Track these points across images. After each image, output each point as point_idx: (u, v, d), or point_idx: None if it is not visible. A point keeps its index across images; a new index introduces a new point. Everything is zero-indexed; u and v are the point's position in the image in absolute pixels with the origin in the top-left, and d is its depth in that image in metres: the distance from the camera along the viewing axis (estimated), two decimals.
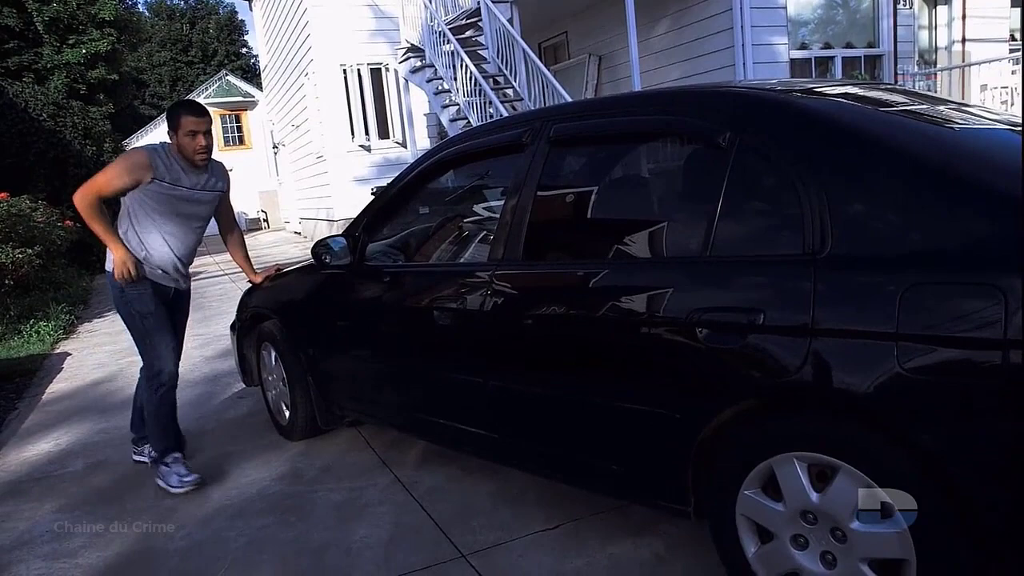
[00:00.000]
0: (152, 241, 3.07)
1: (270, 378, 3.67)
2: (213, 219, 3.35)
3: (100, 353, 6.15)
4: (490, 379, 2.45)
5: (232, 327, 3.95)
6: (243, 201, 19.66)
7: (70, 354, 6.27)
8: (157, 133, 21.76)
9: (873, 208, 1.64)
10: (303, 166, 14.74)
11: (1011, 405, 1.38)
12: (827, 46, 9.15)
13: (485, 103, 8.32)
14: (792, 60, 8.65)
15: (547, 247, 2.43)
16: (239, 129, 22.07)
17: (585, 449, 2.20)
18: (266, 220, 21.82)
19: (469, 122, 8.66)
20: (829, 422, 1.65)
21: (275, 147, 17.85)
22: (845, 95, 2.13)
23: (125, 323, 3.15)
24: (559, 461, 2.35)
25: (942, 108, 2.14)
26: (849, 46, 9.25)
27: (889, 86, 2.46)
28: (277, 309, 3.49)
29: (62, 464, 3.62)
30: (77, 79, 17.52)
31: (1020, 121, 2.18)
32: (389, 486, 2.98)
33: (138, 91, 32.14)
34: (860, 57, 9.21)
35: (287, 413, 3.55)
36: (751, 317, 1.71)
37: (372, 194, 4.19)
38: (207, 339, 6.15)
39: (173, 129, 3.00)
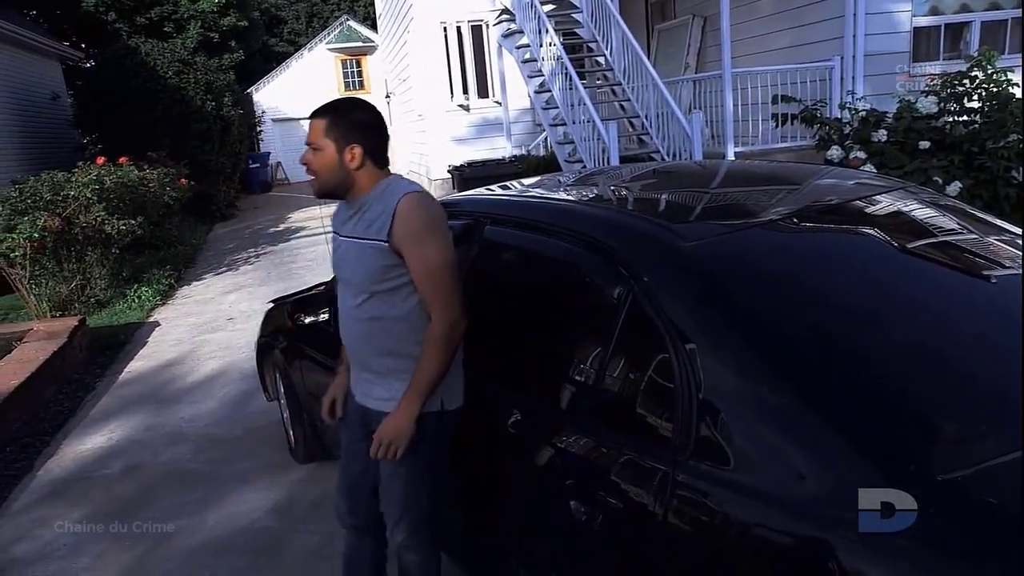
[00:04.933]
0: None
1: (281, 401, 3.83)
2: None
3: (182, 327, 6.65)
4: None
5: (258, 341, 4.12)
6: None
7: (159, 324, 6.82)
8: (291, 73, 22.65)
9: (740, 428, 1.43)
10: (408, 120, 14.92)
11: None
12: (965, 9, 8.01)
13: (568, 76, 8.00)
14: (916, 29, 7.67)
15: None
16: (359, 74, 22.61)
17: None
18: None
19: (552, 96, 8.39)
20: None
21: (387, 96, 18.15)
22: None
23: None
24: None
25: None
26: (994, 7, 8.05)
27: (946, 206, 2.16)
28: (282, 348, 3.59)
29: (103, 464, 4.00)
30: (211, 27, 18.46)
31: None
32: None
33: (276, 28, 33.39)
34: (1006, 20, 8.01)
35: (292, 437, 3.71)
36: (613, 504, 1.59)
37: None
38: None
39: (371, 136, 1.89)
